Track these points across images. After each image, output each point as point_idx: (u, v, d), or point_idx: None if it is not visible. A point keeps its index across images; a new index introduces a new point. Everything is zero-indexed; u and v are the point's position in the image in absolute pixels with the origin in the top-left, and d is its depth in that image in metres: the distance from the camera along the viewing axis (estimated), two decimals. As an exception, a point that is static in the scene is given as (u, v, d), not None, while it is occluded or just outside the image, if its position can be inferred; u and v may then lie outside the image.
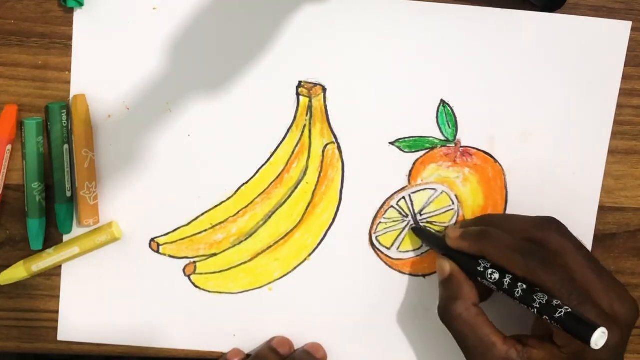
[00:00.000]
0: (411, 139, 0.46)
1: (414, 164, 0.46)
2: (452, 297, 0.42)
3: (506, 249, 0.41)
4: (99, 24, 0.44)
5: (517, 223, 0.43)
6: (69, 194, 0.45)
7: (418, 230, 0.47)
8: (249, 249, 0.47)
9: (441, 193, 0.47)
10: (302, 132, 0.46)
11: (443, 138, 0.46)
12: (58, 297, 0.47)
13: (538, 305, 0.38)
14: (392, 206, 0.47)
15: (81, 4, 0.44)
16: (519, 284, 0.40)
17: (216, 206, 0.46)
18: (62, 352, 0.47)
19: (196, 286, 0.47)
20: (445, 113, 0.46)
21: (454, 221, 0.47)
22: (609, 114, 0.47)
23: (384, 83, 0.46)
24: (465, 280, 0.42)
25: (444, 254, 0.44)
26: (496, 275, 0.41)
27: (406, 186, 0.47)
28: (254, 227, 0.47)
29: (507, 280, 0.40)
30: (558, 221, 0.43)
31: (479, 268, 0.42)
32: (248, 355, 0.47)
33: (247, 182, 0.46)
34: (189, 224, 0.46)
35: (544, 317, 0.38)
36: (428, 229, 0.47)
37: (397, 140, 0.46)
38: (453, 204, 0.47)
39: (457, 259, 0.43)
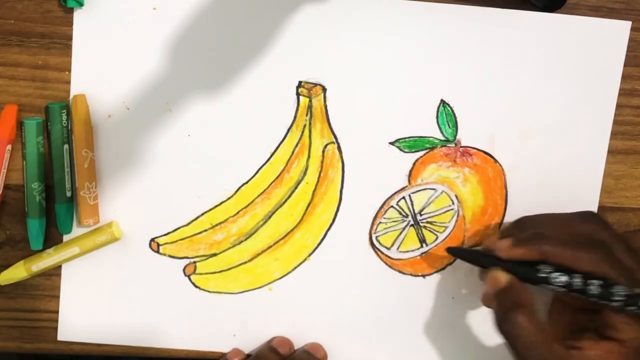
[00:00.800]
0: (411, 139, 0.46)
1: (414, 164, 0.47)
2: (514, 306, 0.41)
3: (567, 246, 0.41)
4: (99, 24, 0.44)
5: (561, 220, 0.43)
6: (69, 194, 0.45)
7: (455, 251, 0.46)
8: (249, 249, 0.47)
9: (441, 193, 0.47)
10: (302, 132, 0.46)
11: (443, 138, 0.46)
12: (58, 297, 0.47)
13: (621, 298, 0.38)
14: (392, 206, 0.47)
15: (81, 4, 0.44)
16: (592, 280, 0.40)
17: (216, 206, 0.46)
18: (62, 352, 0.47)
19: (196, 286, 0.47)
20: (445, 113, 0.46)
21: (454, 221, 0.47)
22: (608, 113, 0.47)
23: (383, 83, 0.46)
24: (524, 287, 0.42)
25: (491, 267, 0.43)
26: (563, 278, 0.40)
27: (406, 186, 0.47)
28: (254, 227, 0.47)
29: (577, 280, 0.40)
30: (597, 214, 0.44)
31: (540, 274, 0.41)
32: (248, 356, 0.47)
33: (247, 182, 0.46)
34: (189, 224, 0.46)
35: (629, 308, 0.38)
36: (465, 247, 0.46)
37: (397, 140, 0.46)
38: (453, 203, 0.47)
39: (510, 269, 0.42)
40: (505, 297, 0.42)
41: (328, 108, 0.46)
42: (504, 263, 0.43)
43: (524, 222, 0.45)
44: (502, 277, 0.42)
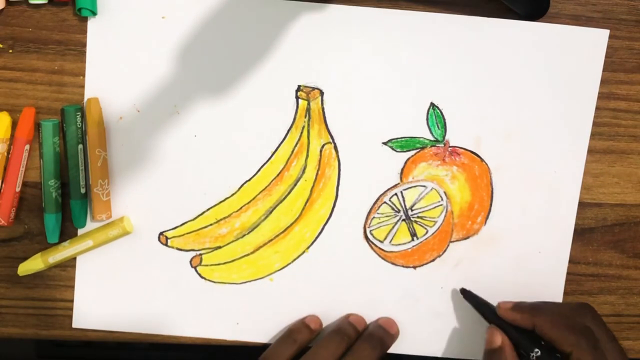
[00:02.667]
0: (403, 139, 0.47)
1: (406, 162, 0.47)
2: None
3: (558, 325, 0.42)
4: (111, 32, 0.45)
5: (555, 308, 0.44)
6: (83, 190, 0.45)
7: (468, 295, 0.47)
8: (252, 242, 0.47)
9: (431, 190, 0.48)
10: (301, 132, 0.47)
11: (433, 138, 0.47)
12: (73, 287, 0.47)
13: None
14: (385, 202, 0.47)
15: (95, 13, 0.44)
16: None
17: (221, 202, 0.47)
18: (77, 339, 0.48)
19: (202, 277, 0.48)
20: (435, 115, 0.47)
21: (443, 216, 0.48)
22: (588, 115, 0.47)
23: (377, 87, 0.46)
24: (512, 355, 0.43)
25: (492, 323, 0.45)
26: (539, 353, 0.42)
27: (398, 183, 0.47)
28: (256, 221, 0.47)
29: None
30: (593, 308, 0.44)
31: (523, 342, 0.43)
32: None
33: (249, 180, 0.47)
34: (195, 218, 0.47)
35: None
36: (479, 296, 0.47)
37: (389, 141, 0.47)
38: (442, 200, 0.48)
39: (504, 328, 0.44)
40: (493, 356, 0.44)
41: (325, 110, 0.46)
42: (500, 322, 0.45)
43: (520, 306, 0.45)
44: (497, 337, 0.44)
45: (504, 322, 0.45)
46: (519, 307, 0.45)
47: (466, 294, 0.47)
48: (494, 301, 0.47)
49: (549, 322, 0.43)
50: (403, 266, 0.48)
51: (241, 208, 0.47)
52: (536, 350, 0.43)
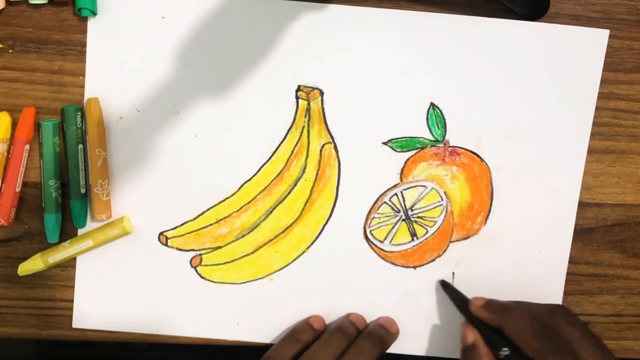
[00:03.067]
0: (403, 139, 0.47)
1: (406, 162, 0.47)
2: None
3: (523, 328, 0.42)
4: (111, 32, 0.45)
5: (526, 310, 0.44)
6: (83, 190, 0.45)
7: (446, 286, 0.47)
8: (252, 242, 0.47)
9: (431, 190, 0.48)
10: (301, 132, 0.47)
11: (433, 138, 0.47)
12: (73, 287, 0.47)
13: None
14: (385, 202, 0.47)
15: (95, 13, 0.44)
16: None
17: (221, 202, 0.47)
18: (77, 339, 0.48)
19: (202, 277, 0.48)
20: (435, 115, 0.47)
21: (443, 216, 0.48)
22: (588, 115, 0.47)
23: (377, 87, 0.46)
24: (486, 352, 0.44)
25: (467, 319, 0.46)
26: (505, 354, 0.42)
27: (398, 183, 0.47)
28: (256, 221, 0.47)
29: None
30: (567, 309, 0.44)
31: (492, 340, 0.43)
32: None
33: (249, 180, 0.47)
34: (195, 218, 0.47)
35: None
36: (456, 288, 0.47)
37: (389, 141, 0.47)
38: (442, 199, 0.48)
39: (478, 327, 0.45)
40: (467, 353, 0.44)
41: (325, 110, 0.46)
42: (473, 318, 0.45)
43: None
44: (470, 334, 0.45)
45: (477, 318, 0.45)
46: (489, 305, 0.45)
47: (445, 286, 0.47)
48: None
49: (514, 325, 0.43)
50: (403, 266, 0.48)
51: (241, 208, 0.47)
52: (504, 349, 0.43)
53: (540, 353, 0.41)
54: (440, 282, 0.48)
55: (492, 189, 0.48)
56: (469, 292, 0.48)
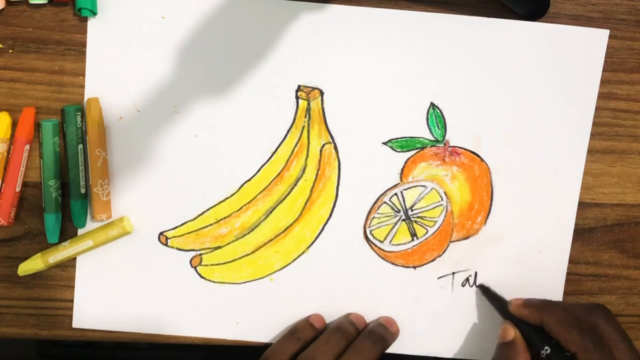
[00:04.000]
0: (403, 139, 0.47)
1: (406, 162, 0.47)
2: None
3: (566, 323, 0.42)
4: (111, 32, 0.45)
5: (566, 307, 0.44)
6: (83, 190, 0.45)
7: (484, 290, 0.48)
8: (252, 242, 0.48)
9: (431, 190, 0.48)
10: (301, 132, 0.47)
11: (433, 138, 0.47)
12: (73, 287, 0.47)
13: None
14: (385, 202, 0.48)
15: (95, 13, 0.44)
16: None
17: (221, 202, 0.47)
18: (76, 339, 0.48)
19: (202, 277, 0.48)
20: (435, 115, 0.47)
21: (443, 216, 0.48)
22: (588, 115, 0.47)
23: (377, 87, 0.46)
24: (524, 350, 0.44)
25: (506, 318, 0.46)
26: (548, 351, 0.42)
27: (398, 183, 0.48)
28: (256, 221, 0.47)
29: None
30: (606, 308, 0.44)
31: (541, 351, 0.43)
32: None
33: (249, 180, 0.47)
34: (195, 218, 0.47)
35: None
36: (494, 291, 0.47)
37: (389, 141, 0.47)
38: (442, 200, 0.48)
39: (519, 326, 0.45)
40: (505, 351, 0.44)
41: (325, 110, 0.47)
42: (512, 318, 0.45)
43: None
44: (510, 331, 0.45)
45: (517, 318, 0.45)
46: (528, 303, 0.45)
47: (483, 289, 0.48)
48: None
49: (556, 320, 0.43)
50: (403, 266, 0.49)
51: (241, 208, 0.47)
52: (546, 347, 0.43)
53: (583, 348, 0.41)
54: (479, 286, 0.48)
55: (492, 189, 0.48)
56: (469, 291, 0.48)
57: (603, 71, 0.47)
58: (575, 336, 0.42)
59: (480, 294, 0.48)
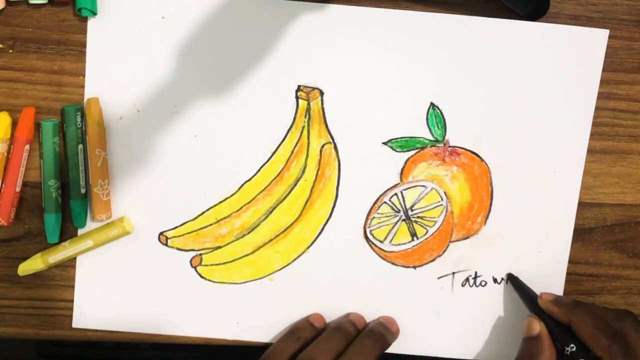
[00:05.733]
0: (403, 139, 0.47)
1: (406, 162, 0.47)
2: (532, 357, 0.44)
3: (594, 325, 0.42)
4: (111, 32, 0.45)
5: (595, 309, 0.44)
6: (83, 190, 0.46)
7: (514, 281, 0.48)
8: (252, 242, 0.48)
9: (431, 190, 0.48)
10: (301, 132, 0.47)
11: (433, 138, 0.47)
12: (73, 287, 0.47)
13: None
14: (385, 202, 0.48)
15: (95, 13, 0.44)
16: None
17: (221, 202, 0.47)
18: (77, 338, 0.48)
19: (202, 277, 0.48)
20: (435, 115, 0.47)
21: (443, 216, 0.48)
22: (587, 115, 0.47)
23: (377, 87, 0.46)
24: (549, 345, 0.44)
25: (532, 311, 0.46)
26: (572, 350, 0.42)
27: (398, 183, 0.48)
28: (256, 221, 0.47)
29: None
30: (635, 315, 0.44)
31: (566, 348, 0.43)
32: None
33: (249, 180, 0.47)
34: (195, 218, 0.47)
35: None
36: (525, 283, 0.47)
37: (389, 141, 0.47)
38: (442, 200, 0.48)
39: (545, 321, 0.45)
40: (530, 345, 0.44)
41: (325, 110, 0.47)
42: (540, 313, 0.45)
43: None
44: (535, 325, 0.45)
45: (544, 313, 0.45)
46: (559, 300, 0.45)
47: (512, 279, 0.48)
48: (498, 303, 0.48)
49: (585, 321, 0.43)
50: (403, 266, 0.49)
51: (241, 208, 0.47)
52: (572, 345, 0.43)
53: (610, 353, 0.41)
54: (508, 275, 0.48)
55: (492, 189, 0.48)
56: (469, 291, 0.48)
57: (603, 71, 0.47)
58: (602, 340, 0.42)
59: (508, 286, 0.48)
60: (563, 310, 0.44)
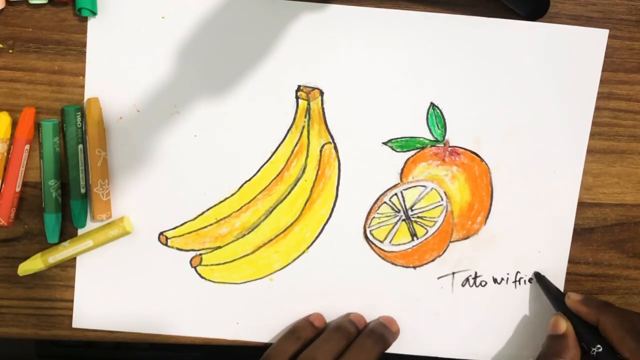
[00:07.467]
0: (403, 139, 0.47)
1: (406, 162, 0.47)
2: (557, 355, 0.43)
3: (622, 327, 0.42)
4: (111, 32, 0.45)
5: (623, 311, 0.44)
6: (83, 190, 0.46)
7: (541, 280, 0.48)
8: (252, 242, 0.48)
9: (431, 190, 0.48)
10: (301, 132, 0.47)
11: (433, 138, 0.47)
12: (73, 287, 0.47)
13: None
14: (385, 202, 0.48)
15: (95, 13, 0.44)
16: None
17: (221, 202, 0.47)
18: (77, 339, 0.48)
19: (202, 277, 0.48)
20: (435, 115, 0.47)
21: (443, 216, 0.48)
22: (587, 115, 0.47)
23: (377, 87, 0.46)
24: (575, 344, 0.44)
25: (558, 310, 0.46)
26: (599, 350, 0.42)
27: (398, 183, 0.48)
28: (256, 221, 0.47)
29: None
30: None
31: (593, 348, 0.43)
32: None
33: (249, 180, 0.47)
34: (195, 218, 0.47)
35: None
36: (551, 282, 0.47)
37: (389, 141, 0.47)
38: (442, 200, 0.48)
39: (572, 321, 0.45)
40: (555, 342, 0.44)
41: (325, 110, 0.47)
42: (567, 312, 0.45)
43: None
44: (562, 324, 0.45)
45: (571, 312, 0.45)
46: (587, 300, 0.45)
47: (539, 278, 0.48)
48: (498, 303, 0.47)
49: (614, 322, 0.43)
50: (403, 266, 0.49)
51: (241, 208, 0.47)
52: (598, 346, 0.43)
53: (636, 354, 0.41)
54: (535, 273, 0.48)
55: (492, 189, 0.48)
56: (469, 291, 0.48)
57: (603, 71, 0.47)
58: (630, 342, 0.42)
59: (536, 285, 0.48)
60: (592, 310, 0.44)
